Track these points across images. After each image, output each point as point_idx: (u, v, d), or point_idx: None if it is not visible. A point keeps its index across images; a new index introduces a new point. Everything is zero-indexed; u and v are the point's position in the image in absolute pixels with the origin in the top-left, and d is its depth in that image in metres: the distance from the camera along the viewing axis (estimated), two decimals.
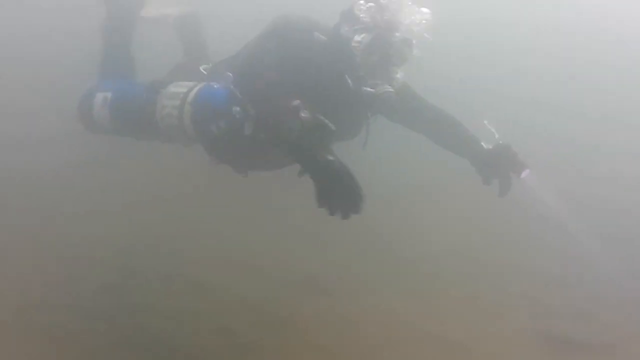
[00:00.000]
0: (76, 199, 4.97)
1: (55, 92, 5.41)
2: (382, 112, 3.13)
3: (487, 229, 5.71)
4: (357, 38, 2.85)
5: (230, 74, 3.10)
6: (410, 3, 2.89)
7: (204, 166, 3.50)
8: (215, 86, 3.13)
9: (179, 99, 3.17)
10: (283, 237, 5.26)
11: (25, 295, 3.89)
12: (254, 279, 4.49)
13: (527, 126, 6.60)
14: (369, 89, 2.84)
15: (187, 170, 5.15)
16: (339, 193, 2.38)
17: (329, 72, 2.91)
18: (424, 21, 2.88)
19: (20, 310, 3.81)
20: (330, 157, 2.48)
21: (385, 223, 5.66)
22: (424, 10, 2.89)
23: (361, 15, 2.85)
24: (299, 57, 2.90)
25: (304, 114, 2.62)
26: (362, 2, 2.87)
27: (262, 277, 4.53)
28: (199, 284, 4.30)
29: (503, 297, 4.83)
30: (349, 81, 2.87)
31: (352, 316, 4.31)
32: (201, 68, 3.47)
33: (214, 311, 4.11)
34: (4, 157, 5.28)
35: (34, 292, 3.93)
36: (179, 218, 4.98)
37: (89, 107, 3.54)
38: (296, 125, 2.60)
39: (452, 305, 4.61)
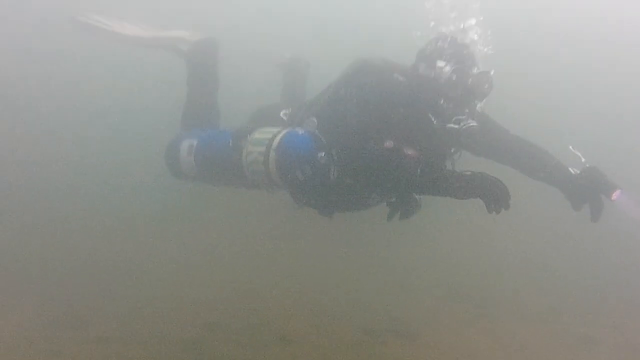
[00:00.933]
0: (156, 255, 5.13)
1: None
2: (467, 148, 3.11)
3: (567, 263, 5.59)
4: (439, 75, 2.87)
5: (315, 119, 3.14)
6: (477, 38, 2.95)
7: (283, 216, 3.54)
8: (299, 132, 3.14)
9: (264, 146, 3.18)
10: (365, 282, 5.27)
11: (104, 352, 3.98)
12: (339, 327, 4.44)
13: (611, 145, 6.35)
14: (453, 125, 2.87)
15: (264, 221, 5.27)
16: (496, 196, 2.60)
17: (412, 112, 2.92)
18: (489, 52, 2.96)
19: None
20: (467, 172, 2.67)
21: (466, 266, 5.69)
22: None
23: (440, 54, 2.88)
24: (381, 99, 2.93)
25: (410, 152, 2.75)
26: (439, 42, 2.92)
27: (347, 324, 4.48)
28: (284, 334, 4.25)
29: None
30: (433, 119, 2.89)
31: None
32: (281, 114, 3.51)
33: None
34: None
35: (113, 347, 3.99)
36: (258, 270, 5.04)
37: (176, 154, 3.60)
38: (413, 164, 2.73)
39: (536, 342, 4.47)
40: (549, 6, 7.94)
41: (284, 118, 3.50)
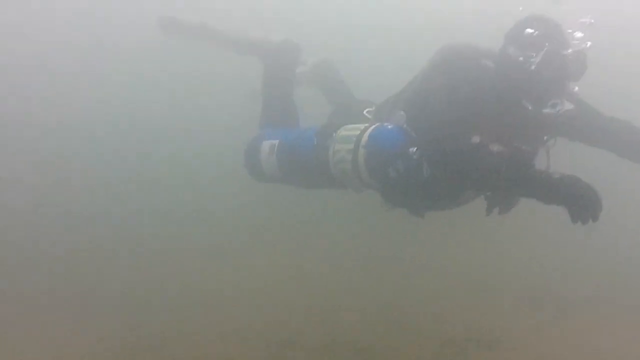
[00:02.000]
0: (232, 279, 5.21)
1: None
2: (562, 133, 2.94)
3: None
4: (530, 57, 2.70)
5: (403, 113, 3.01)
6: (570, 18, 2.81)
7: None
8: (388, 127, 3.03)
9: (352, 143, 3.06)
10: (440, 289, 5.21)
11: None
12: (417, 339, 4.36)
13: None
14: (549, 110, 2.70)
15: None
16: (585, 204, 2.41)
17: (503, 99, 2.78)
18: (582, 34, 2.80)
19: None
20: (556, 175, 2.48)
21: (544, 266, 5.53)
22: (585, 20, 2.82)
23: (531, 34, 2.72)
24: (470, 88, 2.80)
25: (496, 148, 2.61)
26: (529, 21, 2.76)
27: (425, 336, 4.41)
28: (361, 348, 4.20)
29: None
30: (528, 106, 2.72)
31: None
32: (365, 112, 3.39)
33: None
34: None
35: None
36: (334, 284, 5.05)
37: (256, 155, 3.51)
38: (497, 163, 2.58)
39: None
40: None
41: (369, 116, 3.36)
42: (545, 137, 2.90)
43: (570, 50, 2.69)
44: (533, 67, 2.68)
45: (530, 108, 2.72)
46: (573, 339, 4.38)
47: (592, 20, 2.88)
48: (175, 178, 6.80)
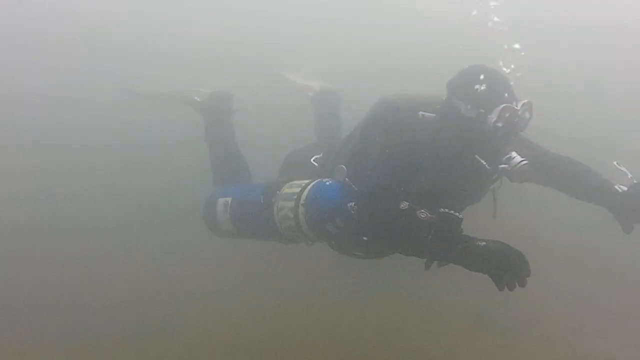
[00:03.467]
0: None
1: None
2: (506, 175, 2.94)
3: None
4: (483, 114, 2.69)
5: (344, 167, 3.06)
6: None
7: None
8: (327, 183, 3.07)
9: (293, 201, 3.12)
10: (385, 316, 5.27)
11: None
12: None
13: None
14: (504, 166, 2.71)
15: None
16: (511, 273, 2.41)
17: (444, 148, 2.79)
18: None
19: None
20: (481, 243, 2.48)
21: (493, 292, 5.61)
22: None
23: (483, 91, 2.70)
24: (407, 143, 2.80)
25: (423, 215, 2.58)
26: (476, 74, 2.76)
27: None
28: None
29: None
30: (483, 162, 2.73)
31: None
32: (312, 160, 3.48)
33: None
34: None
35: None
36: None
37: (213, 213, 3.58)
38: (423, 230, 2.56)
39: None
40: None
41: (315, 164, 3.46)
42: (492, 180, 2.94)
43: (521, 103, 2.72)
44: (488, 124, 2.67)
45: (486, 165, 2.72)
46: None
47: (519, 46, 2.94)
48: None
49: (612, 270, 5.72)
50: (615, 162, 2.98)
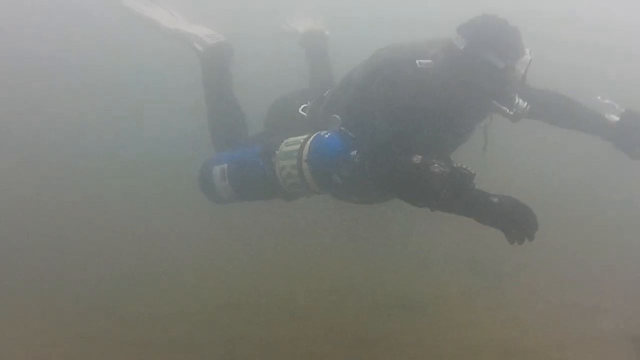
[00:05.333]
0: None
1: None
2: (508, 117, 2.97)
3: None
4: (509, 62, 2.69)
5: (338, 117, 3.07)
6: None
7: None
8: (325, 135, 3.08)
9: (295, 158, 3.13)
10: (379, 259, 5.46)
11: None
12: (348, 302, 4.70)
13: None
14: (508, 111, 2.75)
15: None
16: (522, 228, 2.53)
17: (458, 96, 2.78)
18: None
19: None
20: (494, 199, 2.58)
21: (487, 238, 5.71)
22: None
23: (509, 41, 2.71)
24: (412, 93, 2.78)
25: (437, 169, 2.61)
26: (504, 28, 2.74)
27: (356, 300, 4.74)
28: (293, 311, 4.54)
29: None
30: (504, 107, 2.75)
31: (444, 332, 4.34)
32: (300, 109, 3.47)
33: (305, 336, 4.29)
34: None
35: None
36: (270, 252, 5.33)
37: (210, 181, 3.55)
38: (438, 184, 2.59)
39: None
40: None
41: (303, 113, 3.45)
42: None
43: (530, 51, 2.74)
44: (517, 74, 2.71)
45: (508, 110, 2.75)
46: (496, 308, 4.67)
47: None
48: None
49: (610, 222, 5.82)
50: (598, 97, 3.05)
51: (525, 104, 2.76)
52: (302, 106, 3.47)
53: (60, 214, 5.76)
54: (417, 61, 2.83)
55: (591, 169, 5.79)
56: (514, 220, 2.54)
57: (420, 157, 2.63)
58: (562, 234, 5.85)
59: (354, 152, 2.91)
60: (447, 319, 4.44)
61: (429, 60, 2.83)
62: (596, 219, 5.90)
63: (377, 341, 4.24)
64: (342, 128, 3.03)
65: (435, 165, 2.60)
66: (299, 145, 3.12)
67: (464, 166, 2.64)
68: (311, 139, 3.10)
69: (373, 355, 4.08)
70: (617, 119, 3.00)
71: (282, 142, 3.23)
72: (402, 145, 2.72)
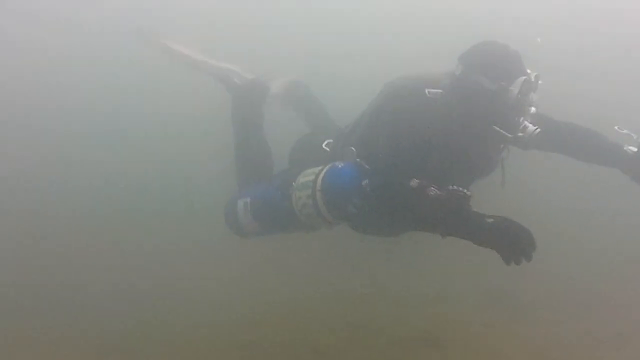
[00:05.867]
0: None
1: None
2: (515, 144, 2.99)
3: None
4: (504, 86, 2.75)
5: (353, 149, 3.14)
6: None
7: None
8: (339, 165, 3.14)
9: (310, 188, 3.19)
10: (399, 293, 5.53)
11: None
12: (370, 338, 4.70)
13: None
14: (520, 135, 2.79)
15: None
16: (517, 248, 2.54)
17: (459, 122, 2.86)
18: None
19: None
20: (489, 219, 2.60)
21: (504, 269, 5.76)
22: None
23: (502, 63, 2.79)
24: (417, 120, 2.88)
25: (432, 192, 2.67)
26: (499, 51, 2.82)
27: (378, 336, 4.74)
28: (316, 347, 4.56)
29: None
30: (503, 131, 2.79)
31: None
32: (324, 145, 3.52)
33: None
34: None
35: None
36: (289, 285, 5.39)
37: (235, 215, 3.63)
38: (434, 207, 2.65)
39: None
40: None
41: (327, 149, 3.50)
42: (501, 149, 3.00)
43: (534, 75, 2.80)
44: (511, 95, 2.75)
45: (507, 134, 2.79)
46: (518, 339, 4.67)
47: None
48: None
49: (623, 248, 5.83)
50: (616, 127, 3.02)
51: (535, 128, 2.78)
52: (326, 142, 3.52)
53: None
54: (426, 90, 2.92)
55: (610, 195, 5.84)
56: (508, 241, 2.54)
57: (417, 181, 2.70)
58: (580, 263, 5.91)
59: (366, 182, 2.93)
60: (467, 353, 4.44)
61: (439, 90, 2.91)
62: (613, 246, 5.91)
63: None
64: (358, 160, 3.09)
65: (432, 188, 2.66)
66: (314, 176, 3.18)
67: (459, 188, 2.68)
68: (326, 169, 3.17)
69: None
70: (634, 149, 2.97)
71: (300, 173, 3.30)
72: (402, 170, 2.79)
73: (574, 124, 3.17)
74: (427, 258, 5.87)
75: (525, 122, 2.80)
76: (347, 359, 4.43)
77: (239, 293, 5.31)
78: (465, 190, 2.69)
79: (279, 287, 5.40)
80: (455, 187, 2.70)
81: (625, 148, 2.99)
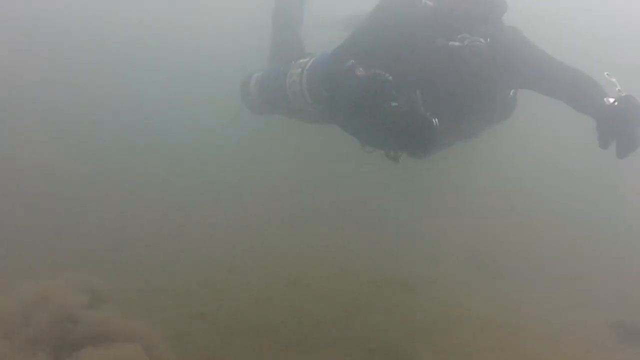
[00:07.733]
0: None
1: None
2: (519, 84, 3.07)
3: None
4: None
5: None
6: None
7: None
8: (328, 52, 3.34)
9: (301, 67, 3.47)
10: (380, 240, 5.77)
11: None
12: (348, 276, 4.98)
13: None
14: (454, 43, 2.83)
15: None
16: (406, 134, 2.72)
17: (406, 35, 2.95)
18: None
19: None
20: (394, 103, 2.71)
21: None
22: None
23: None
24: (384, 16, 3.05)
25: (359, 72, 2.83)
26: None
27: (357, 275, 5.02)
28: (296, 278, 4.80)
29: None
30: (440, 38, 2.88)
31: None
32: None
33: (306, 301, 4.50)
34: None
35: None
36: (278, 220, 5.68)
37: (247, 87, 3.88)
38: (356, 85, 2.81)
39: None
40: None
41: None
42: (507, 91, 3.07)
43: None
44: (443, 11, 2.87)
45: (439, 41, 2.86)
46: (488, 295, 4.91)
47: None
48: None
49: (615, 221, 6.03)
50: (606, 73, 2.90)
51: (480, 40, 2.79)
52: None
53: None
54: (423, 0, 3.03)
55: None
56: (407, 132, 2.71)
57: (353, 61, 2.91)
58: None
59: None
60: (435, 299, 4.71)
61: (431, 4, 3.01)
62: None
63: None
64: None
65: (361, 69, 2.85)
66: (309, 58, 3.48)
67: (382, 72, 2.82)
68: (319, 54, 3.45)
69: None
70: (611, 101, 2.82)
71: (301, 55, 3.60)
72: (347, 52, 3.02)
73: (559, 61, 3.08)
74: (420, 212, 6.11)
75: (475, 36, 2.82)
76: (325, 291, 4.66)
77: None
78: (386, 74, 2.82)
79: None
80: (378, 71, 2.83)
81: (604, 99, 2.85)
